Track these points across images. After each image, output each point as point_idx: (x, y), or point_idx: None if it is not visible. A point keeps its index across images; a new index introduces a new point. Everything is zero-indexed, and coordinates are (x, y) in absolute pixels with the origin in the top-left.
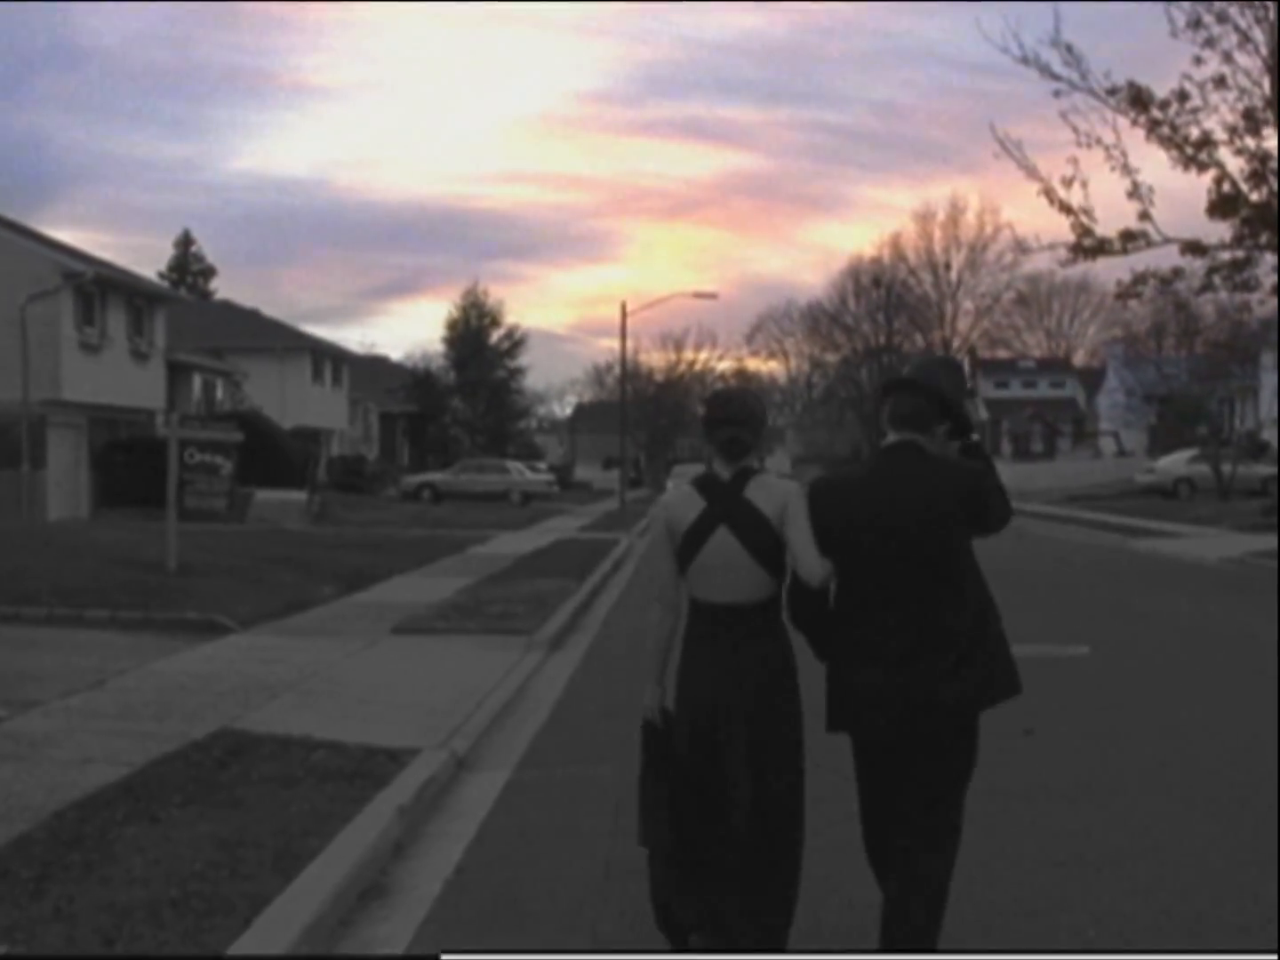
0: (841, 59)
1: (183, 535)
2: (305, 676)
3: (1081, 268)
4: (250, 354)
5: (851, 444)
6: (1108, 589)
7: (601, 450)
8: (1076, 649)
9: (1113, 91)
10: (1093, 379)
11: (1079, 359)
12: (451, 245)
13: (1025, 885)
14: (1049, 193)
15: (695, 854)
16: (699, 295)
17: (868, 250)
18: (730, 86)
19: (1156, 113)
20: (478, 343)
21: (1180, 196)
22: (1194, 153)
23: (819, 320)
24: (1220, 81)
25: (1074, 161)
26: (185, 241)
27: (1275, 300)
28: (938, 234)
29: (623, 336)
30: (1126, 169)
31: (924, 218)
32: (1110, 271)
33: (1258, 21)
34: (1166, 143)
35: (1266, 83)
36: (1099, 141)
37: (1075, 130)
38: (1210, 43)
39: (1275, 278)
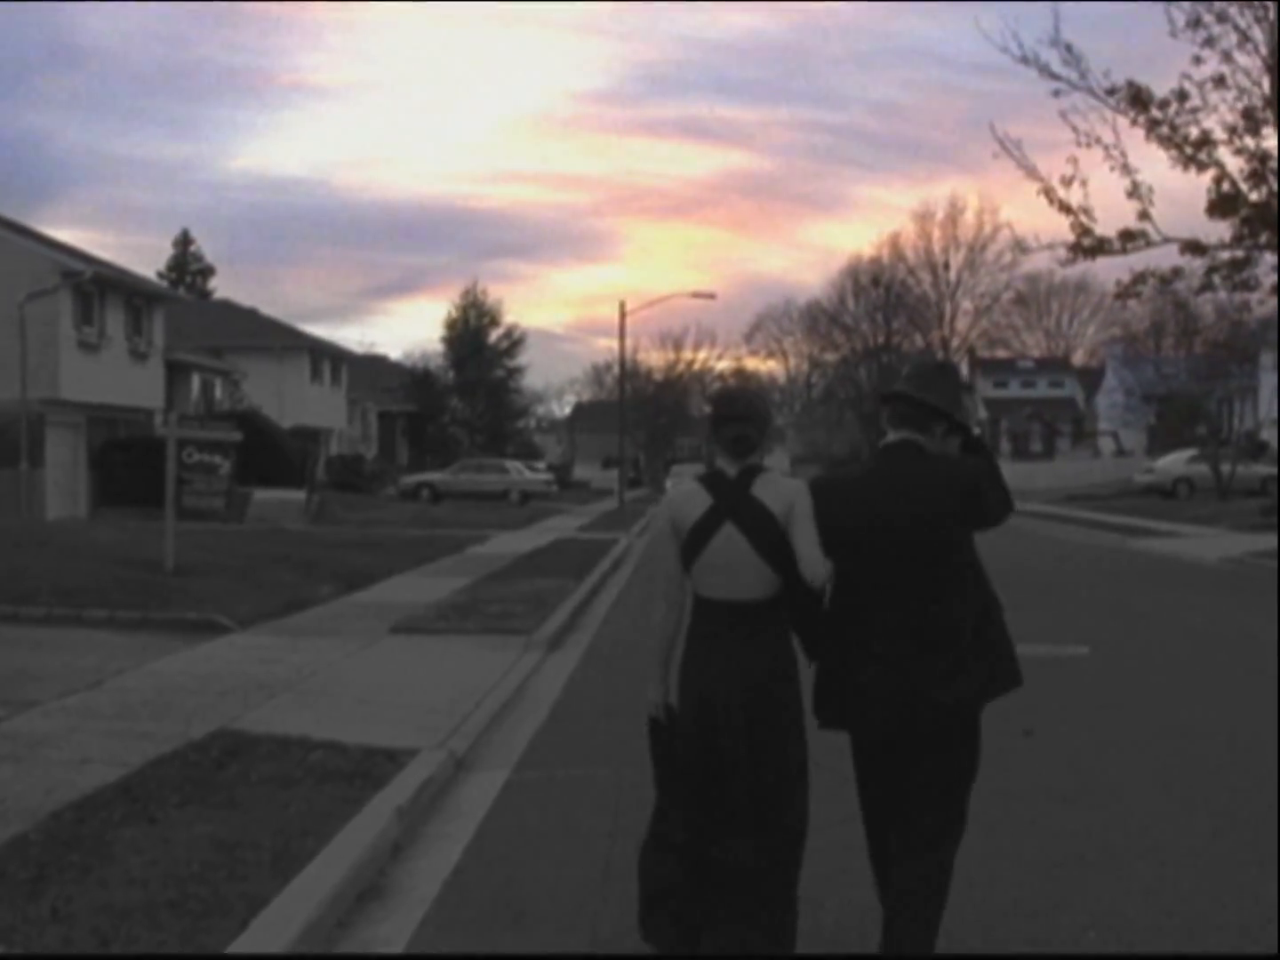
0: (841, 58)
1: (181, 535)
2: (304, 676)
3: (1080, 267)
4: (249, 353)
5: (850, 444)
6: (1107, 589)
7: (600, 450)
8: (1076, 649)
9: (1112, 91)
10: (1092, 379)
11: (1078, 359)
12: (450, 244)
13: (1025, 886)
14: (1048, 192)
15: (700, 851)
16: (698, 295)
17: (867, 250)
18: (730, 86)
19: (1156, 112)
20: (477, 342)
21: (1180, 196)
22: (1193, 152)
23: (818, 320)
24: (1220, 81)
25: (1073, 161)
26: (184, 241)
27: (1274, 300)
28: (937, 234)
29: (621, 336)
30: (1126, 168)
31: (923, 217)
32: (1109, 271)
33: (1257, 21)
34: (1166, 142)
35: (1266, 82)
36: (1098, 141)
37: (1075, 130)
38: (1210, 42)
39: (1275, 277)
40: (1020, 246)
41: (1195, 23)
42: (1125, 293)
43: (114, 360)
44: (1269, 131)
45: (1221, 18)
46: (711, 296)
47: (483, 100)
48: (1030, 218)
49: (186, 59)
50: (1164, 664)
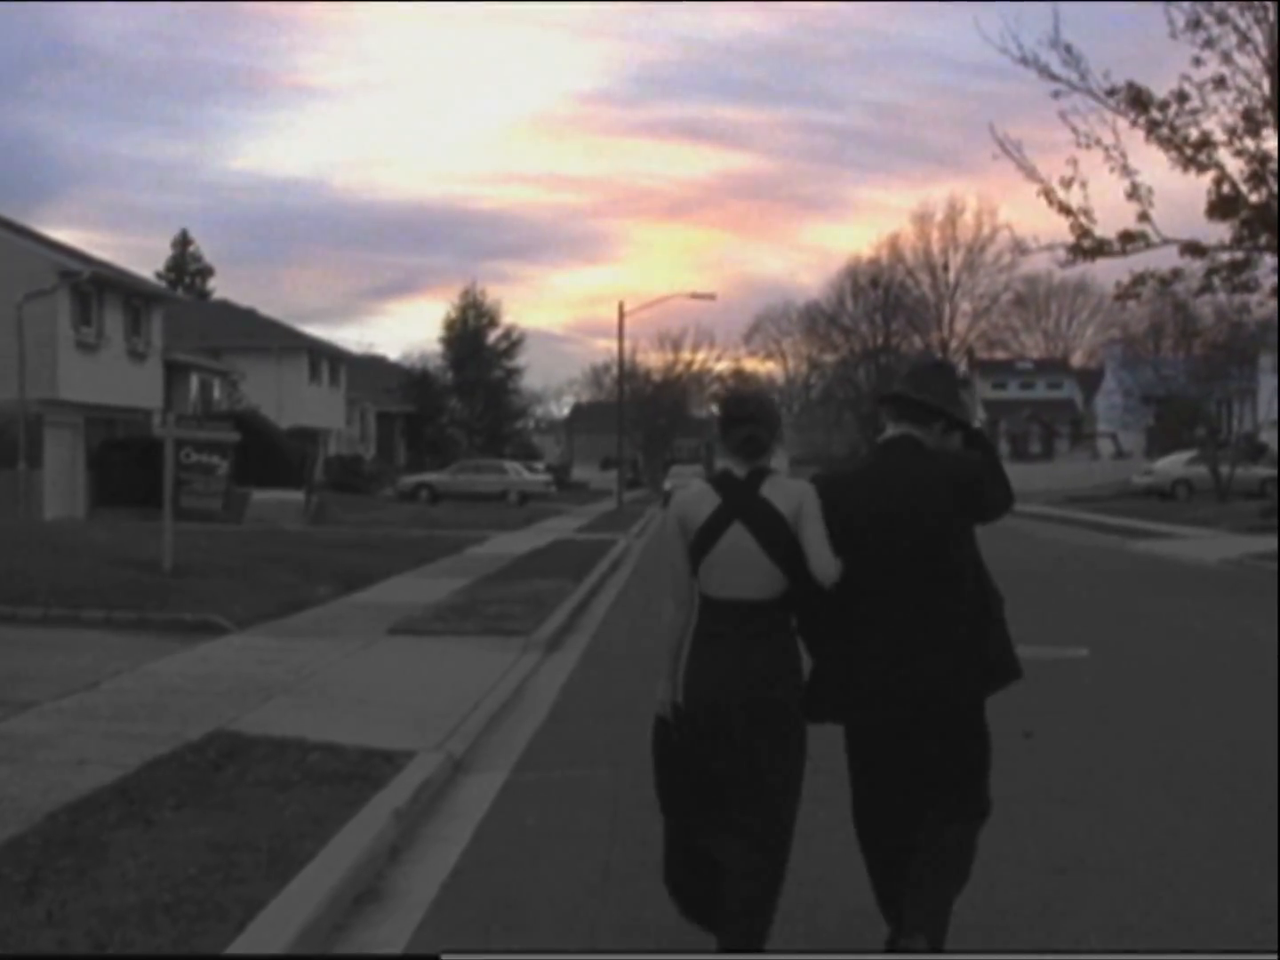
0: (840, 59)
1: (179, 535)
2: (301, 678)
3: (1079, 269)
4: (247, 354)
5: (849, 444)
6: (1106, 590)
7: (599, 450)
8: (1076, 651)
9: (1112, 92)
10: (1091, 380)
11: (1077, 360)
12: (449, 245)
13: (1026, 890)
14: (1048, 193)
15: (698, 842)
16: (697, 296)
17: (866, 251)
18: (728, 87)
19: (1156, 113)
20: (475, 343)
21: (1179, 197)
22: (1193, 154)
23: (817, 321)
24: (1220, 82)
25: (1073, 162)
26: (183, 241)
27: (1274, 302)
28: (935, 235)
29: (620, 337)
30: (1126, 170)
31: (922, 218)
32: (1108, 273)
33: (1257, 22)
34: (1166, 144)
35: (1266, 83)
36: (1098, 142)
37: (1074, 131)
38: (1210, 43)
39: (1274, 279)
40: (1020, 247)
41: (1195, 24)
42: (1125, 294)
43: (112, 360)
44: (1269, 133)
45: (1221, 19)
46: (711, 297)
47: (482, 101)
48: (1029, 219)
49: (185, 59)
50: (1164, 666)
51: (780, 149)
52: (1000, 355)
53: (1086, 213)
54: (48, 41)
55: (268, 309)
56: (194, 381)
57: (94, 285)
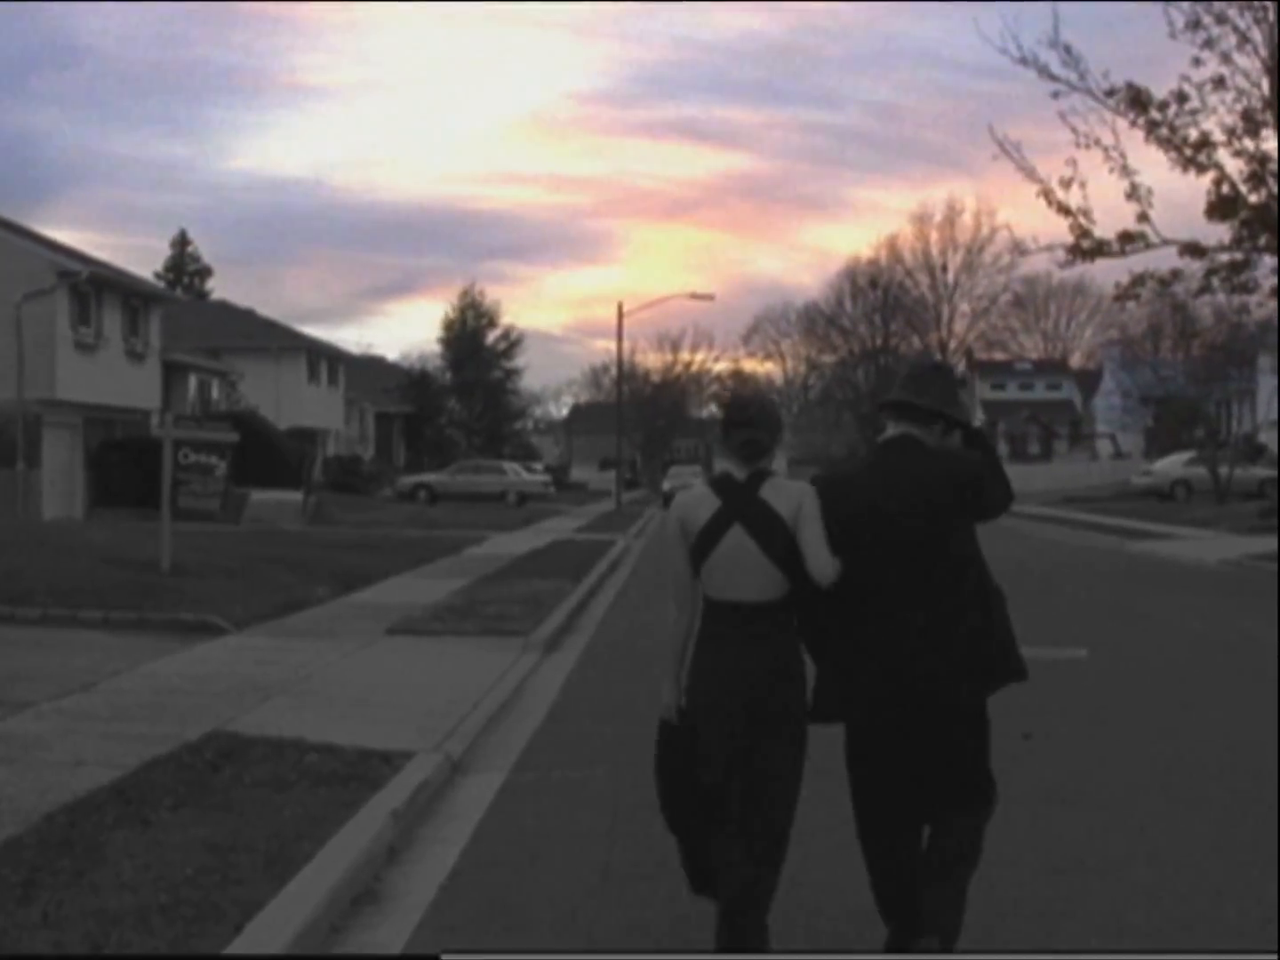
0: (839, 60)
1: (177, 535)
2: (299, 678)
3: (1078, 270)
4: (246, 354)
5: (848, 445)
6: (1105, 591)
7: (598, 451)
8: (1075, 652)
9: (1111, 92)
10: (1089, 381)
11: (1076, 361)
12: (448, 246)
13: (1025, 891)
14: (1047, 194)
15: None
16: (696, 296)
17: (864, 252)
18: (727, 87)
19: (1155, 114)
20: (474, 343)
21: (1179, 198)
22: (1193, 154)
23: (816, 321)
24: (1219, 83)
25: (1072, 163)
26: (181, 241)
27: (1273, 302)
28: (934, 236)
29: (619, 337)
30: (1125, 170)
31: (921, 219)
32: (1107, 273)
33: (1256, 22)
34: (1165, 144)
35: (1265, 84)
36: (1097, 143)
37: (1074, 131)
38: (1209, 44)
39: (1274, 280)
40: (1019, 248)
41: (1194, 24)
42: (1124, 295)
43: (111, 361)
44: (1268, 133)
45: (1221, 19)
46: (710, 298)
47: (481, 101)
48: (1028, 220)
49: (184, 59)
50: (1163, 667)
51: (779, 149)
52: (999, 356)
53: (1086, 213)
54: (46, 41)
55: (266, 309)
56: (192, 382)
57: (92, 285)
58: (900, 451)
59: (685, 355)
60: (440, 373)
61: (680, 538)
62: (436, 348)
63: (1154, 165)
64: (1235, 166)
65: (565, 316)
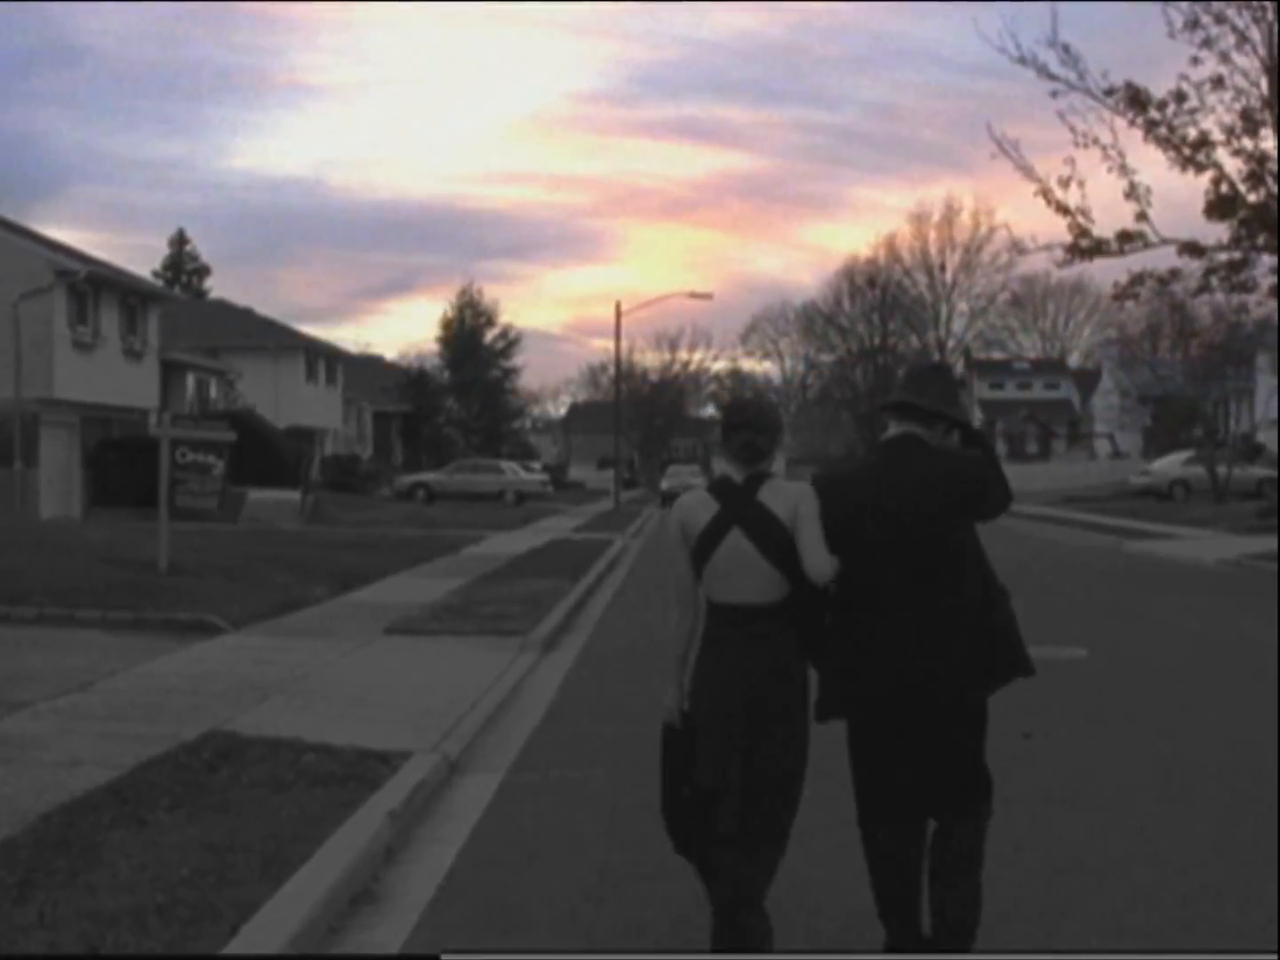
0: (837, 59)
1: (174, 535)
2: (297, 678)
3: (1077, 269)
4: (244, 353)
5: (846, 444)
6: (1104, 591)
7: (596, 450)
8: (1075, 651)
9: (1110, 92)
10: (1088, 380)
11: (1074, 361)
12: (446, 245)
13: (1025, 891)
14: (1046, 193)
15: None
16: (694, 295)
17: (863, 251)
18: (726, 87)
19: (1154, 113)
20: (472, 342)
21: (1177, 197)
22: (1191, 153)
23: (814, 321)
24: (1218, 82)
25: (1071, 162)
26: (180, 240)
27: (1272, 302)
28: (933, 235)
29: (617, 336)
30: (1124, 169)
31: (919, 219)
32: (1105, 273)
33: (1255, 22)
34: (1164, 143)
35: (1264, 83)
36: (1096, 142)
37: (1072, 130)
38: (1208, 43)
39: (1272, 279)
40: (1018, 247)
41: (1193, 24)
42: (1123, 294)
43: (109, 360)
44: (1267, 133)
45: (1219, 19)
46: (708, 297)
47: (479, 100)
48: (1027, 219)
49: (182, 58)
50: (1163, 667)
51: (778, 149)
52: (997, 355)
53: (1084, 212)
54: (45, 40)
55: (264, 308)
56: (190, 381)
57: (90, 284)
58: (903, 450)
59: (683, 354)
60: (438, 372)
61: (681, 541)
62: (435, 347)
63: (1152, 164)
64: (1234, 166)
65: (563, 315)
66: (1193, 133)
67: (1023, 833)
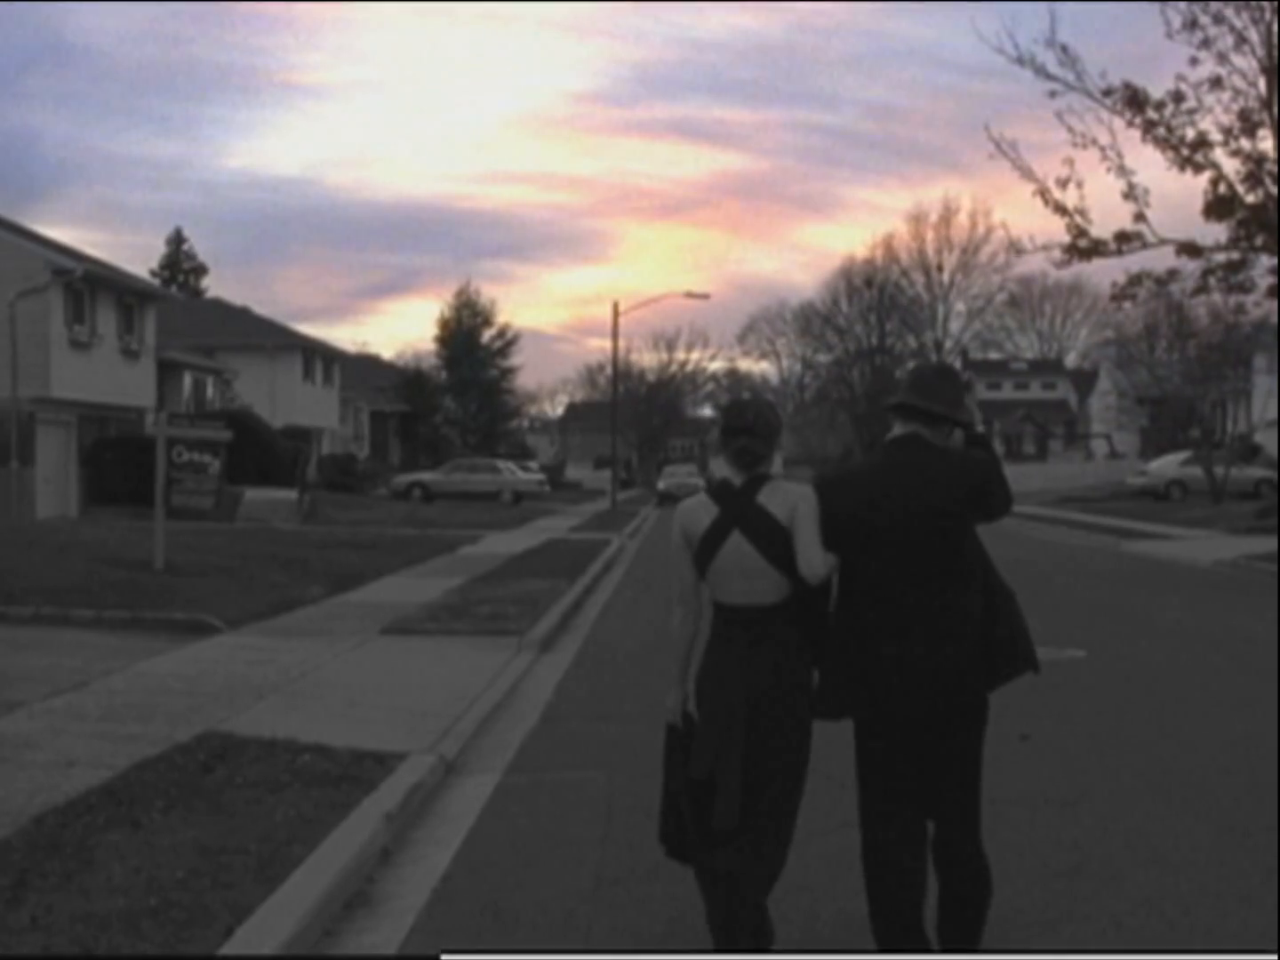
0: (835, 60)
1: (171, 534)
2: (293, 678)
3: (1074, 270)
4: (241, 352)
5: (844, 445)
6: (1103, 592)
7: (593, 450)
8: (1073, 653)
9: (1108, 92)
10: (1085, 381)
11: (1071, 361)
12: (443, 244)
13: (1025, 896)
14: (1044, 193)
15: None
16: (691, 295)
17: (860, 251)
18: (723, 87)
19: (1152, 114)
20: (469, 342)
21: (1176, 198)
22: (1190, 154)
23: (811, 321)
24: (1216, 82)
25: (1069, 162)
26: (177, 239)
27: (1269, 302)
28: (930, 235)
29: (614, 336)
30: (1122, 170)
31: (916, 219)
32: (1103, 273)
33: (1254, 23)
34: (1162, 144)
35: (1262, 84)
36: (1094, 142)
37: (1071, 131)
38: (1206, 44)
39: (1270, 279)
40: (1016, 248)
41: (1191, 24)
42: (1121, 295)
43: (105, 359)
44: (1265, 133)
45: (1218, 19)
46: (705, 297)
47: (477, 100)
48: (1024, 219)
49: (180, 57)
50: (1162, 668)
51: (775, 149)
52: (994, 356)
53: (1082, 213)
54: (42, 39)
55: (261, 307)
56: (187, 380)
57: (87, 283)
58: (908, 450)
59: (680, 354)
60: (435, 371)
61: (684, 545)
62: (432, 346)
63: (1151, 165)
64: (1232, 166)
65: (561, 315)
66: (1191, 133)
67: (1022, 835)
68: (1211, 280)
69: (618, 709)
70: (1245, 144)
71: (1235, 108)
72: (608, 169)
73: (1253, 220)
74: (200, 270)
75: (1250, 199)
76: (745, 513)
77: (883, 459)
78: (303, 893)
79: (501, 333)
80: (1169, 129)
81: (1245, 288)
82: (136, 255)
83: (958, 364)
